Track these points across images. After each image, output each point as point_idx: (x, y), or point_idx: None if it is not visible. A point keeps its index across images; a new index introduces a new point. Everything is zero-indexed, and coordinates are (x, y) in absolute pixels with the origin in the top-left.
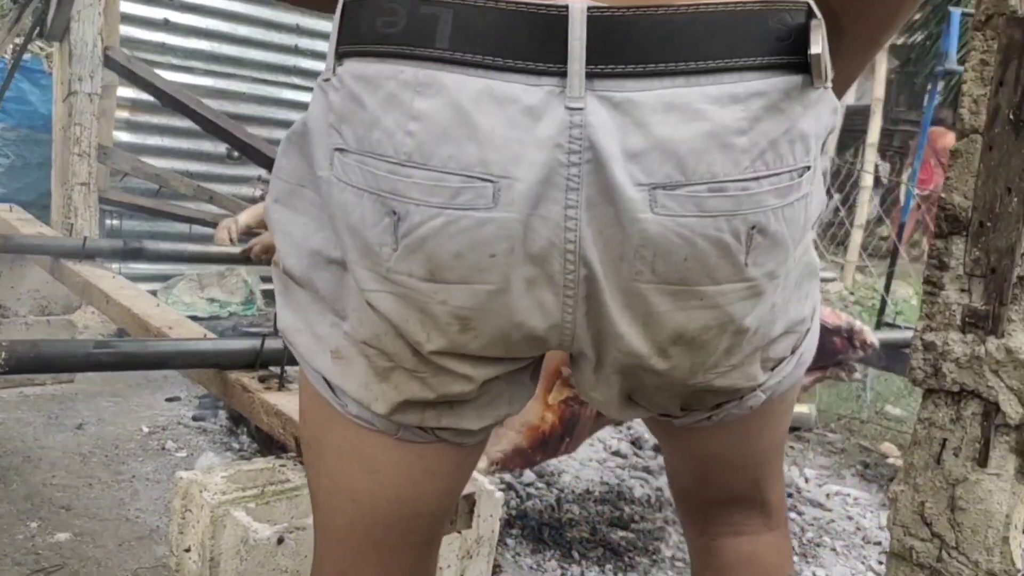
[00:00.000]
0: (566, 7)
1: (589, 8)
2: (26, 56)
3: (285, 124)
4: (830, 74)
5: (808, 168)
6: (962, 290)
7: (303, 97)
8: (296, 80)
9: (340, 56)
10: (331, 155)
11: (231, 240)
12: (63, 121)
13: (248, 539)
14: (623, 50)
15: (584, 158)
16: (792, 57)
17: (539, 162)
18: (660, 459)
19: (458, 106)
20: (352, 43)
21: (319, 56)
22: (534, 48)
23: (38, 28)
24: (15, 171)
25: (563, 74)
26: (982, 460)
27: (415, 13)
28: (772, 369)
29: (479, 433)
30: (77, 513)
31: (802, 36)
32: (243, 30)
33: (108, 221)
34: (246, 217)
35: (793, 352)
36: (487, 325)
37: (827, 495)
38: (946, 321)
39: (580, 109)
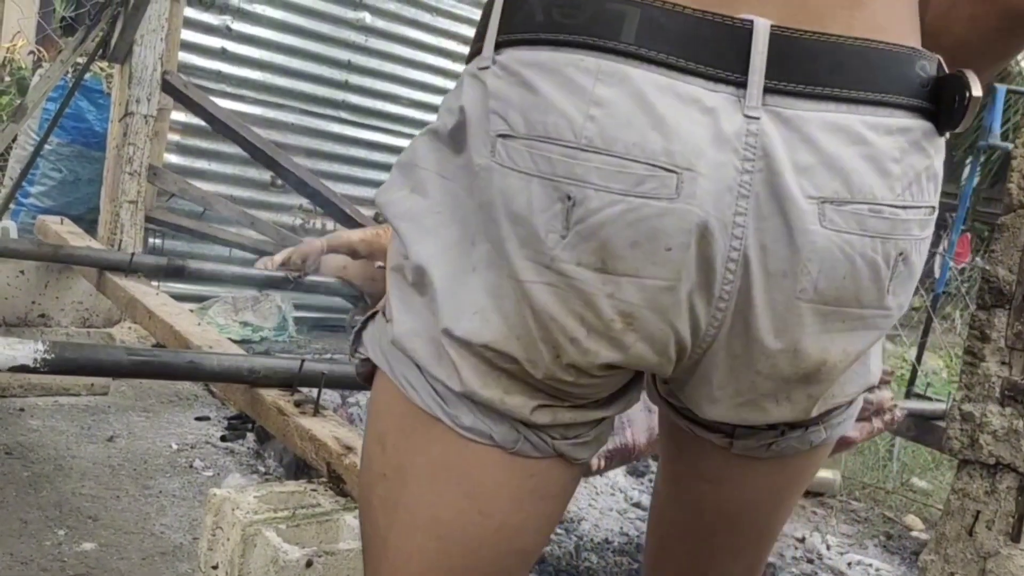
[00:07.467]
0: (751, 22)
1: (772, 27)
2: (87, 76)
3: (330, 156)
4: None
5: (934, 209)
6: (1003, 363)
7: (349, 131)
8: (344, 115)
9: (500, 45)
10: (492, 141)
11: (291, 265)
12: (118, 140)
13: (278, 559)
14: (797, 70)
15: (756, 167)
16: (928, 104)
17: (718, 161)
18: None
19: (642, 96)
20: (520, 31)
21: (367, 92)
22: (716, 56)
23: (101, 50)
24: (67, 185)
25: (740, 84)
26: (1015, 535)
27: (601, 6)
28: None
29: (593, 443)
30: (104, 524)
31: (935, 86)
32: (296, 63)
33: (151, 239)
34: (305, 250)
35: (851, 403)
36: (648, 325)
37: (848, 564)
38: (985, 393)
39: (756, 119)
